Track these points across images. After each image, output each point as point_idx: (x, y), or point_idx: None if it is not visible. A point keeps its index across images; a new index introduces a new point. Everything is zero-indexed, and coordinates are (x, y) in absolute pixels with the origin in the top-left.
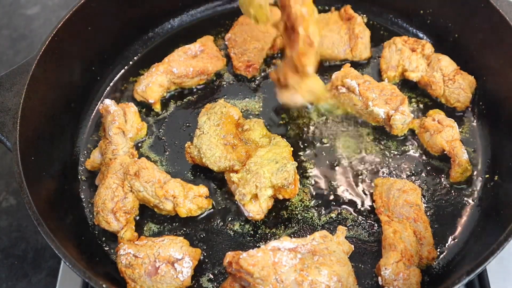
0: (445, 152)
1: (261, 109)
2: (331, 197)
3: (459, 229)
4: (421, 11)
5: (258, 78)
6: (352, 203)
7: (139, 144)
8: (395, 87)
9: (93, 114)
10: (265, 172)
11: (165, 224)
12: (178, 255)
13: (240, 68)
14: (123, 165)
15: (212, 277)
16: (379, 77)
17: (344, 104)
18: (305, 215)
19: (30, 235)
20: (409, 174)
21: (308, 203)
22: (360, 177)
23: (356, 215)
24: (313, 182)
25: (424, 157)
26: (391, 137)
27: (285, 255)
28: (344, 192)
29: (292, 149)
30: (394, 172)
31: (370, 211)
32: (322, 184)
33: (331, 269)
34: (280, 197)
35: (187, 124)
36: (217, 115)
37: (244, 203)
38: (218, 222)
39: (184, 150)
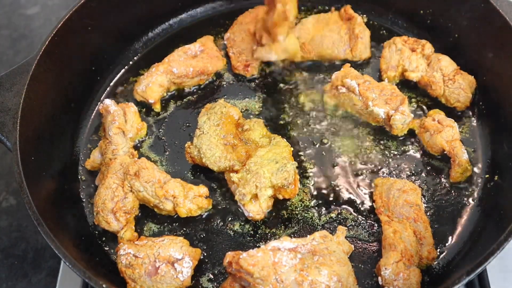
0: (445, 152)
1: (261, 109)
2: (331, 197)
3: (459, 229)
4: (421, 11)
5: (258, 78)
6: (352, 203)
7: (139, 144)
8: (395, 87)
9: (93, 114)
10: (265, 172)
11: (165, 224)
12: (178, 255)
13: (239, 68)
14: (123, 165)
15: (212, 277)
16: (379, 77)
17: (344, 104)
18: (305, 215)
19: (30, 235)
20: (409, 174)
21: (308, 203)
22: (360, 177)
23: (356, 215)
24: (313, 182)
25: (424, 157)
26: (391, 137)
27: (285, 255)
28: (344, 192)
29: (292, 149)
30: (394, 172)
31: (370, 211)
32: (322, 184)
33: (331, 269)
34: (280, 197)
35: (187, 124)
36: (217, 115)
37: (244, 203)
38: (218, 222)
39: (184, 150)
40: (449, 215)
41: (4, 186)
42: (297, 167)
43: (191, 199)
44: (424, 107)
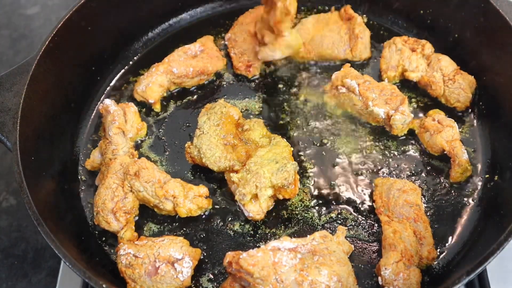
0: (445, 152)
1: (261, 109)
2: (331, 197)
3: (459, 229)
4: (421, 11)
5: (258, 78)
6: (352, 203)
7: (139, 144)
8: (395, 87)
9: (93, 114)
10: (265, 172)
11: (165, 224)
12: (178, 255)
13: (240, 68)
14: (123, 165)
15: (212, 277)
16: (379, 77)
17: (344, 104)
18: (305, 215)
19: (30, 235)
20: (409, 174)
21: (308, 203)
22: (360, 177)
23: (356, 215)
24: (313, 182)
25: (424, 157)
26: (391, 137)
27: (285, 255)
28: (344, 192)
29: (292, 149)
30: (394, 172)
31: (370, 211)
32: (322, 184)
33: (331, 269)
34: (280, 197)
35: (187, 124)
36: (217, 115)
37: (244, 203)
38: (218, 222)
39: (184, 150)
40: (449, 215)
41: (4, 186)
42: (297, 167)
43: (191, 199)
44: (424, 107)
